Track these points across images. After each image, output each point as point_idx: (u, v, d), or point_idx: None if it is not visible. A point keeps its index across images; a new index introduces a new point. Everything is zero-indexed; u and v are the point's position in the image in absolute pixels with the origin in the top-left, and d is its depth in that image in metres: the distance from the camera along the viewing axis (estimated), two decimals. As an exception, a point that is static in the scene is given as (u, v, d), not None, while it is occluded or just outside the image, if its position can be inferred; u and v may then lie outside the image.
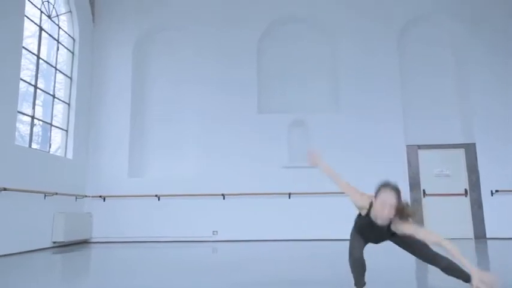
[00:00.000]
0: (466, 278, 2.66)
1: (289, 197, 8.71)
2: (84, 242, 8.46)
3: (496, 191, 8.53)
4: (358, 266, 2.76)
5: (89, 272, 4.97)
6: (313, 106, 9.34)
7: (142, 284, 3.70)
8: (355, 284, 2.78)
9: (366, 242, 2.89)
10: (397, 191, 2.63)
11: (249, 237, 8.51)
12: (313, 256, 5.88)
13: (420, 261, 2.86)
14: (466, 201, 8.73)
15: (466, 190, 8.78)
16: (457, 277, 2.70)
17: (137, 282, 3.82)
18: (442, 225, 7.96)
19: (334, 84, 9.43)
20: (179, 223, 8.68)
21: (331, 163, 9.52)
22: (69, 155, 8.52)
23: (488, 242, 7.79)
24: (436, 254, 2.72)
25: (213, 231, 8.66)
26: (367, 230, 2.81)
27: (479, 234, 8.47)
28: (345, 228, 8.92)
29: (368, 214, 2.75)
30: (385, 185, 2.67)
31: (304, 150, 8.95)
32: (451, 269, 2.69)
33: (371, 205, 2.72)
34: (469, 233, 8.49)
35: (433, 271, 2.87)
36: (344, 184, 2.92)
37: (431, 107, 9.24)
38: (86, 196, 8.81)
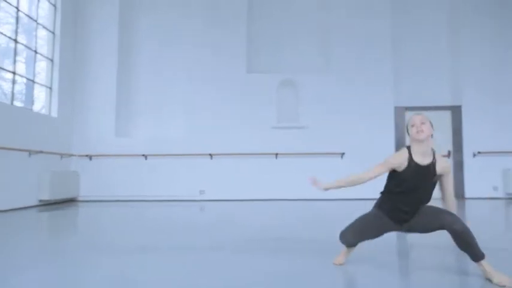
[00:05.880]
0: (477, 256, 2.26)
1: (276, 157, 8.79)
2: (72, 201, 8.52)
3: (478, 152, 8.72)
4: (347, 245, 2.68)
5: (75, 229, 5.02)
6: (303, 66, 9.26)
7: (130, 242, 3.77)
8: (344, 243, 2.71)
9: (377, 234, 2.59)
10: (422, 115, 2.52)
11: (235, 196, 8.66)
12: (299, 215, 6.02)
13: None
14: (448, 162, 8.92)
15: (449, 151, 8.96)
16: (469, 251, 2.28)
17: (125, 240, 3.88)
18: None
19: (325, 45, 9.29)
20: (166, 182, 8.76)
21: (319, 123, 9.44)
22: (54, 113, 8.38)
23: (466, 201, 8.05)
24: (450, 213, 2.37)
25: (200, 191, 8.77)
26: (412, 177, 2.47)
27: (459, 194, 8.75)
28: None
29: (411, 159, 2.48)
30: (410, 117, 2.54)
31: (293, 111, 9.07)
32: (466, 235, 2.25)
33: (409, 148, 2.52)
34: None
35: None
36: (376, 170, 2.52)
37: (421, 70, 9.24)
38: (73, 155, 8.77)
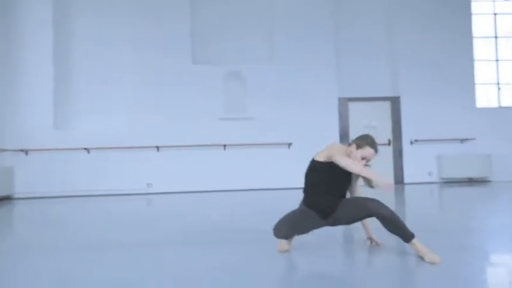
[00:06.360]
0: (407, 236, 2.37)
1: (224, 149, 8.77)
2: (6, 198, 7.97)
3: (415, 140, 9.26)
4: (281, 238, 2.70)
5: (7, 229, 4.71)
6: (249, 57, 9.26)
7: (69, 240, 3.60)
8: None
9: (310, 227, 2.64)
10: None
11: (183, 188, 8.55)
12: (247, 205, 6.07)
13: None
14: (389, 150, 9.41)
15: (389, 140, 9.42)
16: (399, 233, 2.38)
17: (63, 238, 3.70)
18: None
19: (269, 35, 9.35)
20: (111, 176, 8.45)
21: (266, 114, 9.55)
22: (-17, 106, 7.75)
23: (405, 186, 8.54)
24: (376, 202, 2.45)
25: (147, 184, 8.56)
26: (339, 175, 2.63)
27: (398, 180, 9.27)
28: (277, 178, 9.22)
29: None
30: (373, 144, 2.65)
31: (240, 102, 9.08)
32: (394, 218, 2.36)
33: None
34: (390, 178, 9.25)
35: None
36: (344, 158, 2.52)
37: (363, 61, 9.58)
38: (5, 150, 8.18)
